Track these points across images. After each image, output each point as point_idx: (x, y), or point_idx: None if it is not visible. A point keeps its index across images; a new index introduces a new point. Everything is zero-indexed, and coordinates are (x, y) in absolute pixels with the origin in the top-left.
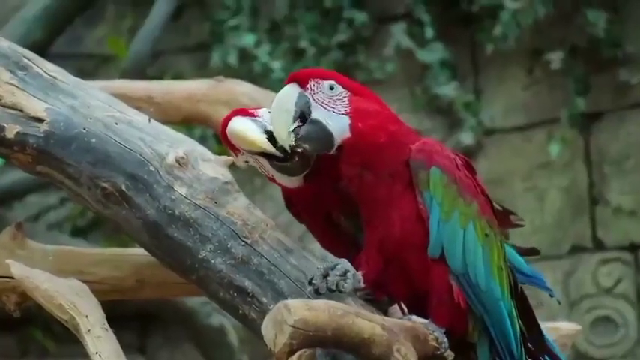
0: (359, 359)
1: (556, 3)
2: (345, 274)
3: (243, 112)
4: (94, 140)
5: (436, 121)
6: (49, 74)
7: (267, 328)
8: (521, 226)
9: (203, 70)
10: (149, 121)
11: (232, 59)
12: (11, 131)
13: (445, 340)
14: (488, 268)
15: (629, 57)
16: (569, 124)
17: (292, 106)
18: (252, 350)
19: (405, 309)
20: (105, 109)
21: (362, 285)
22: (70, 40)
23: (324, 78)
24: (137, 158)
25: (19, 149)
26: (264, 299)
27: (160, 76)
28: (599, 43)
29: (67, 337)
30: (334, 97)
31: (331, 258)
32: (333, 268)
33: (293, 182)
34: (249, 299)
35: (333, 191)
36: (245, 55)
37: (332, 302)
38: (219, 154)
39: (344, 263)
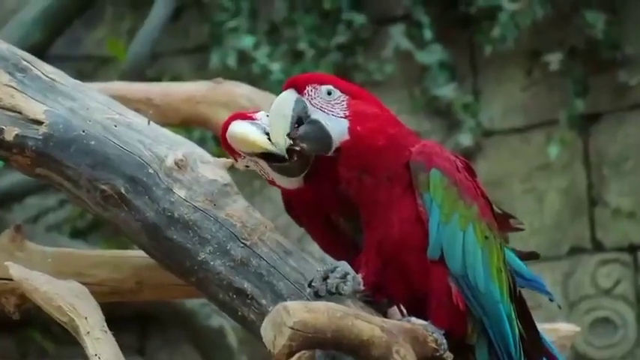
0: None
1: (555, 4)
2: (344, 276)
3: (242, 115)
4: (93, 142)
5: (435, 123)
6: (47, 76)
7: (266, 330)
8: (521, 229)
9: (202, 72)
10: (148, 123)
11: (231, 61)
12: (10, 133)
13: (444, 341)
14: (487, 270)
15: (627, 58)
16: (568, 126)
17: (290, 111)
18: (252, 352)
19: (404, 311)
20: (104, 111)
21: (361, 287)
22: (69, 41)
23: (322, 83)
24: (136, 160)
25: (18, 151)
26: (263, 301)
27: (158, 78)
28: (598, 45)
29: (66, 339)
30: (332, 102)
31: (330, 260)
32: (332, 271)
33: (292, 183)
34: (249, 301)
35: (332, 193)
36: (244, 57)
37: (331, 304)
38: (219, 156)
39: (343, 266)
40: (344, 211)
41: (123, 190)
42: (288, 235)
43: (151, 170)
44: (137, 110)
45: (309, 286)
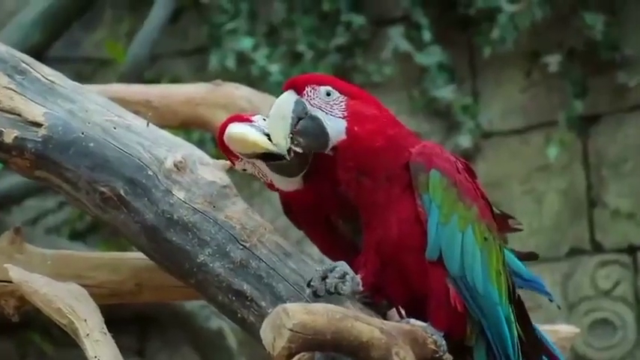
0: None
1: (554, 6)
2: (343, 276)
3: (239, 118)
4: (92, 144)
5: (434, 124)
6: (47, 78)
7: (265, 332)
8: (520, 230)
9: (201, 74)
10: (147, 125)
11: (230, 63)
12: (9, 136)
13: (444, 343)
14: (486, 272)
15: (627, 59)
16: (567, 127)
17: (289, 112)
18: (251, 353)
19: (403, 312)
20: (103, 113)
21: (360, 288)
22: (68, 43)
23: (321, 84)
24: (135, 162)
25: (17, 154)
26: (262, 303)
27: (157, 80)
28: (597, 46)
29: (65, 341)
30: (331, 102)
31: (329, 262)
32: (331, 271)
33: (291, 185)
34: (248, 303)
35: (332, 195)
36: (243, 59)
37: (331, 306)
38: (218, 158)
39: (342, 266)
40: (343, 212)
41: (122, 192)
42: (288, 236)
43: (150, 172)
44: (136, 112)
45: (308, 285)
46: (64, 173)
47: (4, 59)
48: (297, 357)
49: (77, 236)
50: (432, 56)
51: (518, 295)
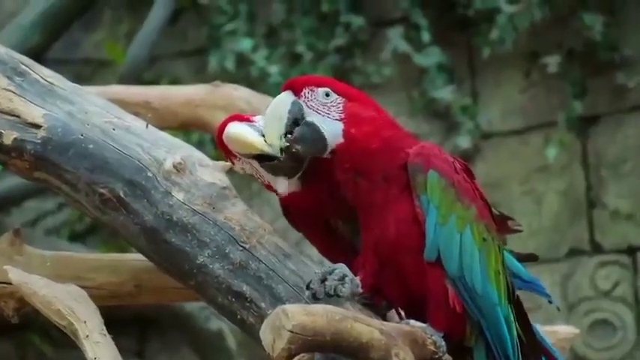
0: None
1: (553, 6)
2: (342, 278)
3: (239, 117)
4: (91, 146)
5: (433, 125)
6: (46, 80)
7: (265, 333)
8: (519, 231)
9: (200, 75)
10: (147, 126)
11: (229, 64)
12: (8, 137)
13: (443, 344)
14: (485, 272)
15: (626, 60)
16: (566, 128)
17: (285, 113)
18: (251, 355)
19: (402, 314)
20: (102, 114)
21: (360, 290)
22: (67, 45)
23: (319, 85)
24: (135, 164)
25: (16, 155)
26: (262, 304)
27: (156, 81)
28: (596, 47)
29: (65, 342)
30: (329, 104)
31: (329, 263)
32: (331, 273)
33: (289, 187)
34: (248, 304)
35: (330, 196)
36: (242, 60)
37: (330, 307)
38: (217, 159)
39: (342, 268)
40: (342, 213)
41: (121, 194)
42: (287, 238)
43: (149, 174)
44: (136, 114)
45: (308, 288)
46: (64, 175)
47: (4, 61)
48: (296, 358)
49: (77, 238)
50: (431, 57)
51: (517, 296)
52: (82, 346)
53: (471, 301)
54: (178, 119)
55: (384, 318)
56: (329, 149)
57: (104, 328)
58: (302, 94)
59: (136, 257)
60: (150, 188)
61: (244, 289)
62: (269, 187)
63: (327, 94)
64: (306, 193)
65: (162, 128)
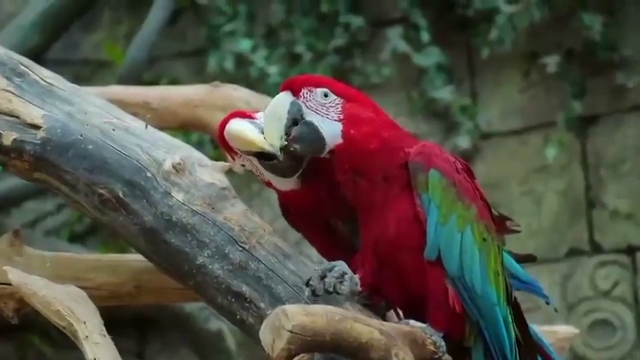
0: None
1: (552, 6)
2: (342, 276)
3: (241, 114)
4: (90, 147)
5: (433, 125)
6: (45, 81)
7: (265, 334)
8: (518, 232)
9: (199, 76)
10: (146, 127)
11: (229, 64)
12: (8, 138)
13: (443, 344)
14: (484, 272)
15: (625, 60)
16: (565, 128)
17: (285, 114)
18: (250, 355)
19: (401, 314)
20: (102, 115)
21: (359, 288)
22: (67, 45)
23: (318, 85)
24: (134, 164)
25: (16, 156)
26: (261, 304)
27: (156, 82)
28: (596, 47)
29: (64, 343)
30: (327, 105)
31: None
32: (330, 270)
33: (288, 185)
34: (247, 305)
35: (329, 196)
36: (241, 61)
37: (330, 307)
38: (217, 160)
39: (341, 265)
40: (341, 213)
41: (121, 194)
42: (287, 238)
43: (148, 174)
44: (135, 114)
45: (307, 285)
46: (63, 175)
47: (3, 61)
48: (296, 358)
49: (76, 238)
50: (430, 57)
51: (515, 297)
52: (82, 347)
53: (470, 301)
54: (178, 120)
55: (384, 318)
56: (327, 149)
57: (104, 328)
58: (300, 94)
59: (135, 258)
60: (149, 189)
61: (244, 289)
62: (268, 185)
63: (326, 95)
64: (305, 192)
65: (161, 129)
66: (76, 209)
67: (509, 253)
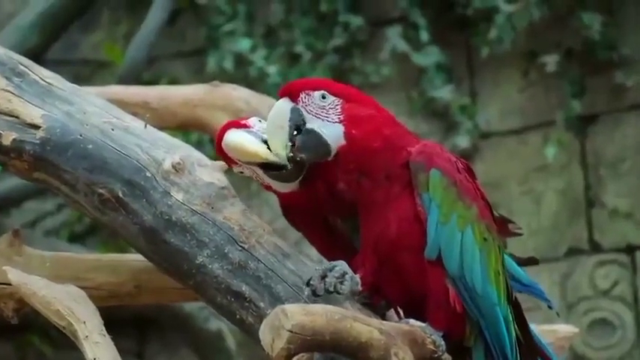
0: None
1: (551, 6)
2: (342, 276)
3: (236, 124)
4: (90, 146)
5: (432, 125)
6: (45, 81)
7: (264, 333)
8: (520, 234)
9: (199, 76)
10: (145, 126)
11: (228, 64)
12: (7, 138)
13: (442, 343)
14: (485, 272)
15: (624, 59)
16: (564, 127)
17: (286, 121)
18: (250, 355)
19: (402, 313)
20: (101, 115)
21: (359, 287)
22: (66, 46)
23: (315, 88)
24: (134, 164)
25: (15, 156)
26: (261, 304)
27: (155, 82)
28: (595, 46)
29: (64, 343)
30: (327, 107)
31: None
32: (331, 270)
33: (288, 187)
34: (247, 304)
35: (327, 195)
36: (241, 60)
37: (329, 307)
38: (216, 160)
39: (342, 265)
40: (340, 211)
41: (120, 194)
42: (286, 237)
43: (148, 174)
44: (134, 114)
45: (307, 284)
46: (63, 175)
47: (2, 62)
48: (296, 358)
49: (76, 238)
50: (429, 56)
51: (516, 297)
52: (82, 347)
53: (471, 300)
54: (177, 119)
55: (384, 317)
56: (333, 153)
57: (104, 328)
58: (299, 99)
59: (135, 258)
60: (149, 188)
61: (243, 288)
62: (268, 188)
63: (324, 97)
64: (304, 191)
65: (161, 128)
66: (75, 209)
67: (511, 255)
